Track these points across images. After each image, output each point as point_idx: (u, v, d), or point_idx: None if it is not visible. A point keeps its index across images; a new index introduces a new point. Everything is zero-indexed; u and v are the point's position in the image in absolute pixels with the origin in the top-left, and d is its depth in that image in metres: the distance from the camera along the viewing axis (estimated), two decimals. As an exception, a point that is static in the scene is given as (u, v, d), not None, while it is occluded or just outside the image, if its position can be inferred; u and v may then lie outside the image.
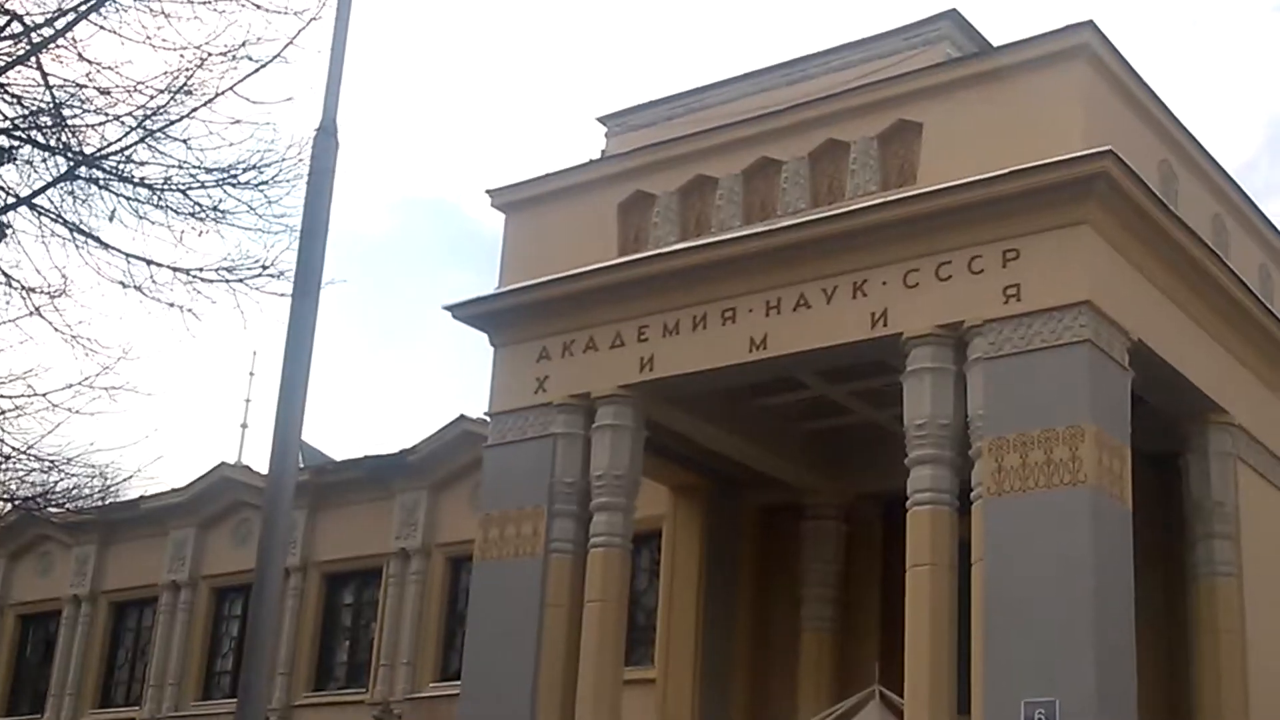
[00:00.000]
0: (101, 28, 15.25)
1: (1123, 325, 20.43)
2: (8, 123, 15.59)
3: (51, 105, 15.55)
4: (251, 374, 41.58)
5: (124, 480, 22.50)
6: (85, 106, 15.60)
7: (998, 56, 21.75)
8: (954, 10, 22.86)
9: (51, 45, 15.32)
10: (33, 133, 15.71)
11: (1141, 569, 20.40)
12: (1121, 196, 20.39)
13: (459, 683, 25.16)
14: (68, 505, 21.85)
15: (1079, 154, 20.04)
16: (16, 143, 15.71)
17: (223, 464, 35.93)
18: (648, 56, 78.76)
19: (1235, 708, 22.06)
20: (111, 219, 15.92)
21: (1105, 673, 18.86)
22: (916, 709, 20.02)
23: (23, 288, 16.32)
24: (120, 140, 15.71)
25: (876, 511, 26.51)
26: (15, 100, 15.54)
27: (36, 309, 16.38)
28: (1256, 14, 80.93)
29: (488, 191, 25.81)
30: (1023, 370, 20.08)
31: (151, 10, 15.15)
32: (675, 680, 26.31)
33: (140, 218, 15.97)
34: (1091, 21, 20.74)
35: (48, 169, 15.97)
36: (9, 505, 22.44)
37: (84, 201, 15.99)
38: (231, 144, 15.84)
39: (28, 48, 15.28)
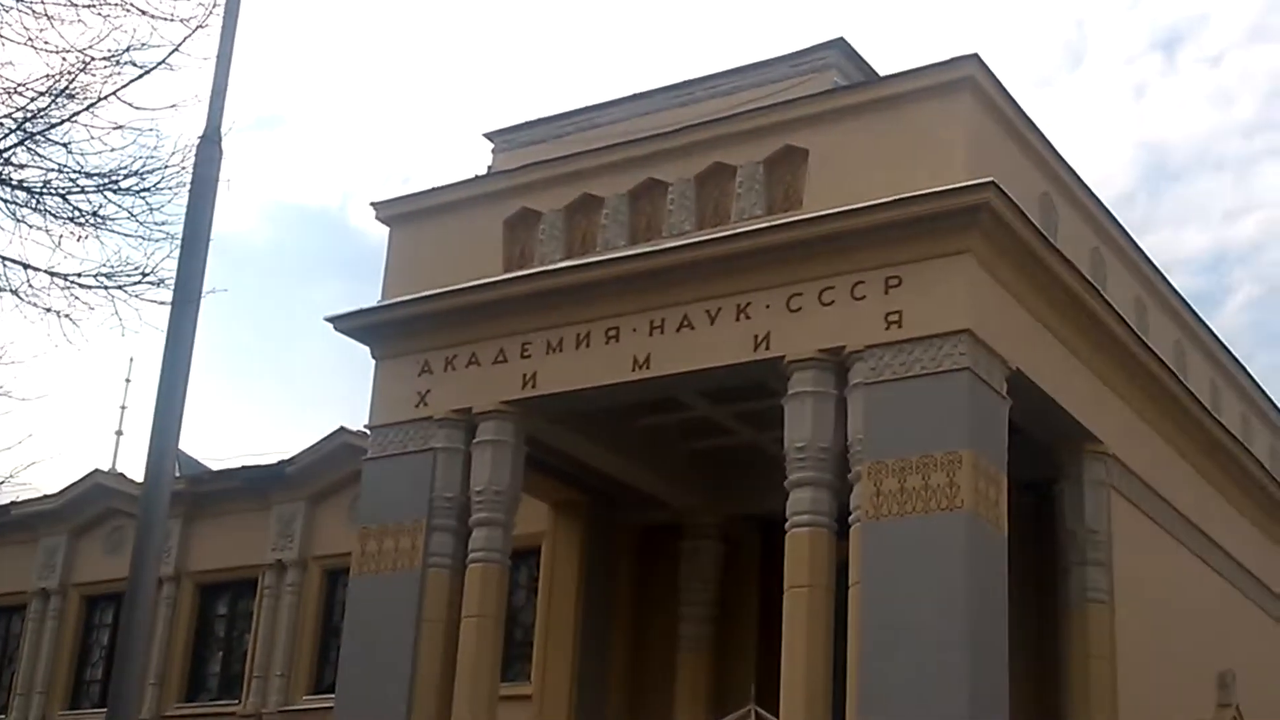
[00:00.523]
0: (-18, 28, 14.99)
1: (1001, 354, 20.70)
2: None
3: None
4: (128, 380, 41.08)
5: (-1, 485, 22.09)
6: (-38, 107, 15.32)
7: (884, 86, 22.01)
8: (841, 39, 23.08)
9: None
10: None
11: (1016, 594, 20.64)
12: (1003, 227, 20.67)
13: (333, 696, 24.96)
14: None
15: (962, 185, 20.31)
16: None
17: (96, 471, 35.42)
18: (536, 74, 78.86)
19: (1103, 732, 22.39)
20: (-13, 221, 15.63)
21: (978, 697, 19.06)
22: (791, 729, 20.13)
23: (-107, 289, 15.96)
24: (-2, 142, 15.44)
25: (755, 532, 26.63)
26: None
27: (-94, 311, 16.02)
28: (1135, 50, 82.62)
29: (373, 204, 25.71)
30: (903, 396, 20.28)
31: (34, 12, 14.88)
32: (551, 696, 26.27)
33: (18, 220, 15.66)
34: (976, 55, 21.04)
35: (-79, 170, 15.66)
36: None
37: (-42, 203, 15.68)
38: (114, 149, 15.57)
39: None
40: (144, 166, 15.57)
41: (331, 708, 24.80)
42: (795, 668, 20.24)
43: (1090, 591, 22.99)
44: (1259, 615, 29.45)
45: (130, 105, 15.31)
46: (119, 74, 15.24)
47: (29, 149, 15.50)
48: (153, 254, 15.73)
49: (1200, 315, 28.27)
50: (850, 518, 20.39)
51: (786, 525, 20.95)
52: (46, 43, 14.94)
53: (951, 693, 18.92)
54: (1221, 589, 27.64)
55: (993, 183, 20.16)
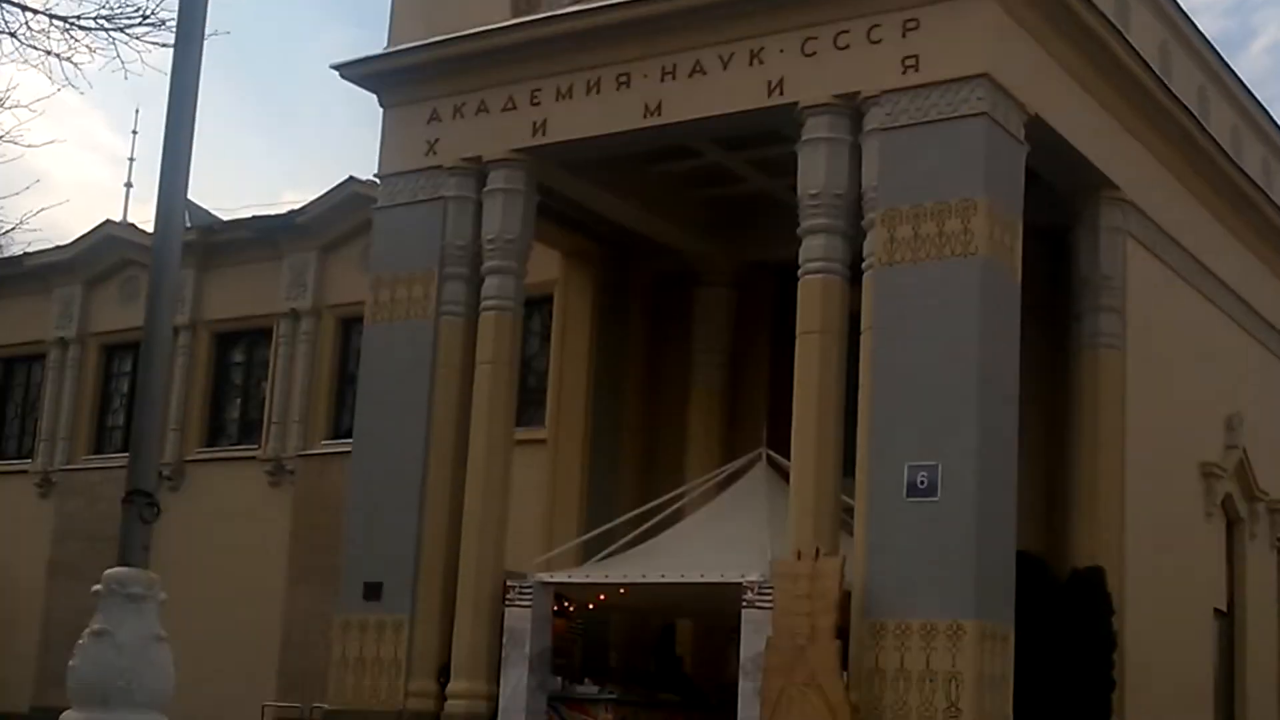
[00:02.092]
0: None
1: (1020, 99, 20.41)
2: None
3: None
4: (134, 132, 40.92)
5: (8, 231, 22.08)
6: None
7: None
8: None
9: None
10: None
11: (1027, 341, 20.72)
12: (1022, -34, 20.21)
13: (350, 441, 25.30)
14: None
15: (982, -78, 19.79)
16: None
17: (108, 222, 35.39)
18: None
19: (1112, 476, 22.65)
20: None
21: (987, 440, 19.27)
22: (803, 472, 20.40)
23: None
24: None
25: (768, 280, 26.61)
26: None
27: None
28: None
29: (380, -54, 25.15)
30: (918, 141, 20.07)
31: None
32: (565, 441, 26.60)
33: (14, -39, 15.39)
34: None
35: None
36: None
37: (-45, -55, 15.35)
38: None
39: None
40: (145, -98, 15.22)
41: (349, 452, 25.16)
42: (806, 413, 20.43)
43: (1102, 337, 23.04)
44: (1269, 359, 29.58)
45: None
46: None
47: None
48: (152, -5, 15.46)
49: (1224, 58, 27.80)
50: (863, 264, 20.36)
51: (799, 272, 20.94)
52: None
53: (960, 436, 19.12)
54: (1233, 333, 27.71)
55: (1013, -80, 19.65)
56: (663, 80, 22.04)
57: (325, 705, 24.14)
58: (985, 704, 18.69)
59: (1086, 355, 23.08)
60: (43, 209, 41.87)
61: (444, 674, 22.59)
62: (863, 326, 20.12)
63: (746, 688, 20.18)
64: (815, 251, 20.76)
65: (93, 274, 35.10)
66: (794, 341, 20.89)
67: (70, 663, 8.05)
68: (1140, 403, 23.25)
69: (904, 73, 20.24)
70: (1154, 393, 23.81)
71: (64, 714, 7.96)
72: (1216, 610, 26.61)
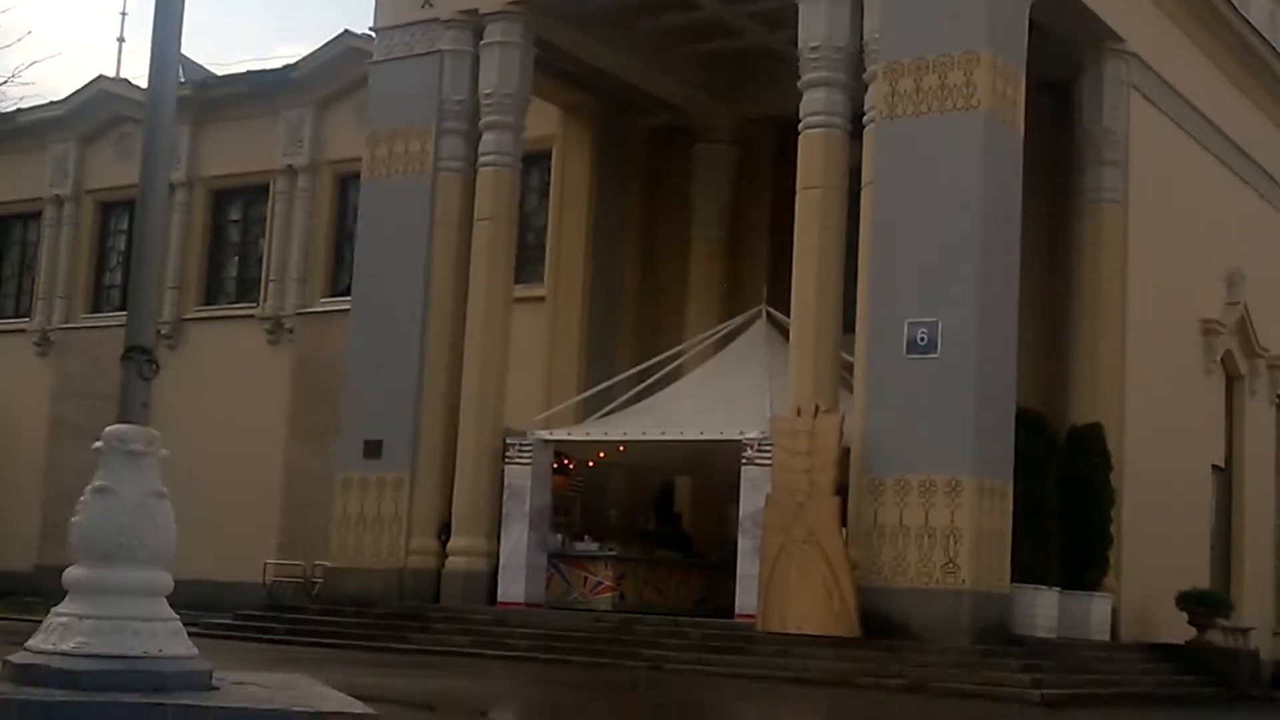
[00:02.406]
0: None
1: (1023, -52, 20.09)
2: None
3: None
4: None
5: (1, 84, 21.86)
6: None
7: None
8: None
9: None
10: None
11: (1029, 195, 20.59)
12: None
13: (349, 298, 25.25)
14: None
15: None
16: None
17: (101, 77, 35.05)
18: None
19: (1112, 332, 22.61)
20: None
21: (988, 295, 19.21)
22: (802, 329, 20.37)
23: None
24: None
25: (768, 135, 26.39)
26: None
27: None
28: None
29: None
30: (920, -8, 19.80)
31: None
32: (564, 298, 26.54)
33: None
34: None
35: None
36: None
37: None
38: None
39: None
40: None
41: (348, 310, 25.12)
42: (806, 269, 20.36)
43: (1104, 192, 22.88)
44: (1271, 213, 29.41)
45: None
46: None
47: None
48: None
49: (1230, -93, 27.32)
50: (864, 118, 20.17)
51: (799, 127, 20.75)
52: None
53: (961, 291, 19.06)
54: (1237, 188, 27.50)
55: None
56: (662, -70, 21.67)
57: (327, 563, 24.33)
58: (983, 559, 18.82)
59: (1088, 210, 22.94)
60: (34, 62, 41.39)
61: (445, 531, 22.73)
62: (863, 182, 19.98)
63: (745, 544, 20.32)
64: (816, 105, 20.56)
65: (87, 130, 34.82)
66: (794, 198, 20.76)
67: (72, 519, 8.05)
68: (1141, 258, 23.14)
69: (907, -78, 19.88)
70: (1155, 248, 23.69)
71: (66, 570, 7.97)
72: (1214, 466, 26.72)
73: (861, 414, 19.51)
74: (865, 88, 20.22)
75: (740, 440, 20.65)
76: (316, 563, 26.08)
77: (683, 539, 25.33)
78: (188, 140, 32.45)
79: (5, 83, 20.14)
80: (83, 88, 34.84)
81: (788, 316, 21.20)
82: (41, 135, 35.19)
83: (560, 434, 22.97)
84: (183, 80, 27.93)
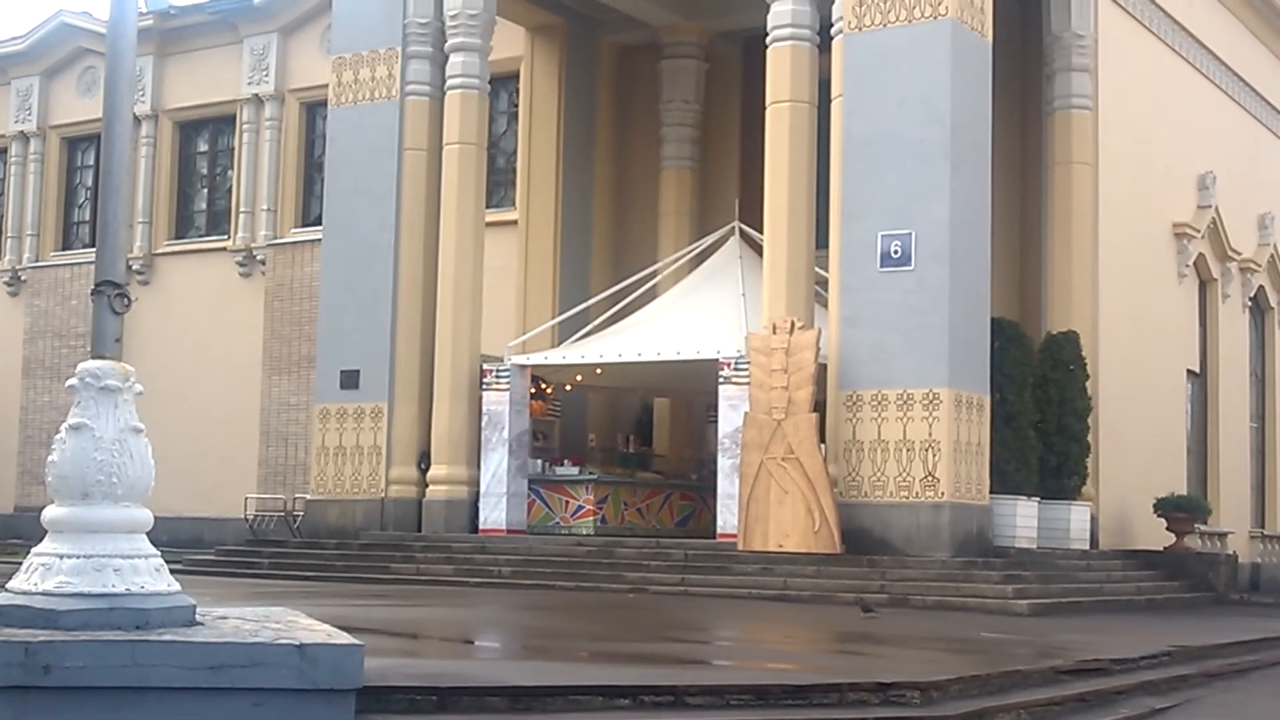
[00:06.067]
0: None
1: None
2: None
3: None
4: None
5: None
6: None
7: None
8: None
9: None
10: None
11: (999, 103, 20.51)
12: None
13: (320, 228, 25.11)
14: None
15: None
16: None
17: (62, 11, 34.63)
18: None
19: (1084, 239, 22.61)
20: None
21: (960, 205, 19.17)
22: (775, 244, 20.33)
23: None
24: None
25: (736, 49, 26.23)
26: None
27: None
28: None
29: None
30: (886, -98, 19.60)
31: None
32: (537, 221, 26.39)
33: None
34: None
35: None
36: None
37: None
38: None
39: None
40: None
41: (319, 240, 24.96)
42: (778, 184, 20.29)
43: (1074, 98, 22.79)
44: (1242, 116, 29.36)
45: None
46: None
47: None
48: None
49: None
50: (832, 30, 20.03)
51: (767, 40, 20.62)
52: None
53: (933, 204, 19.02)
54: (1205, 91, 27.43)
55: None
56: None
57: (307, 495, 24.33)
58: (962, 471, 18.89)
59: (1058, 116, 22.87)
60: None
61: (424, 460, 22.72)
62: (833, 94, 19.87)
63: (725, 464, 20.34)
64: (783, 18, 20.43)
65: (50, 65, 34.46)
66: (764, 112, 20.64)
67: (49, 458, 7.98)
68: (1112, 164, 23.10)
69: None
70: (1126, 153, 23.65)
71: (45, 509, 7.91)
72: (1189, 371, 26.80)
73: (837, 329, 19.50)
74: (832, -1, 20.10)
75: (717, 359, 20.64)
76: (297, 495, 26.08)
77: (660, 460, 25.40)
78: (152, 72, 32.17)
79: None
80: (43, 22, 34.46)
81: (760, 233, 21.14)
82: (3, 71, 34.86)
83: (537, 359, 22.92)
84: (144, 10, 27.62)
